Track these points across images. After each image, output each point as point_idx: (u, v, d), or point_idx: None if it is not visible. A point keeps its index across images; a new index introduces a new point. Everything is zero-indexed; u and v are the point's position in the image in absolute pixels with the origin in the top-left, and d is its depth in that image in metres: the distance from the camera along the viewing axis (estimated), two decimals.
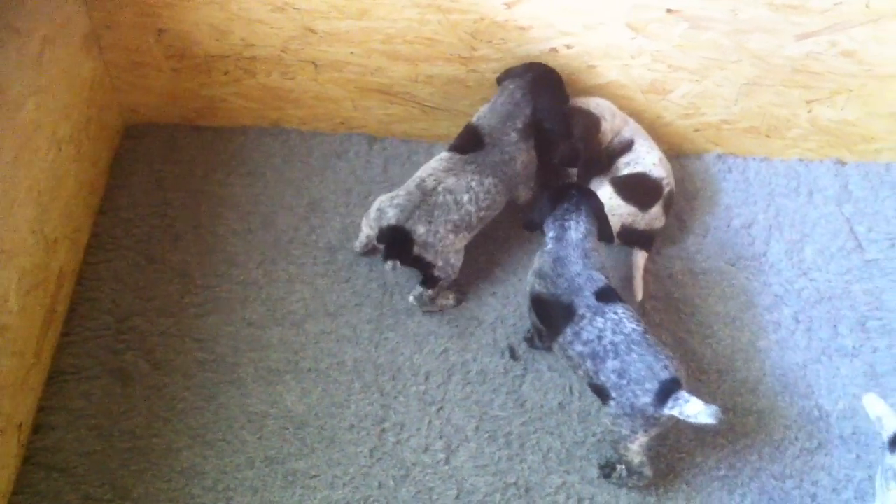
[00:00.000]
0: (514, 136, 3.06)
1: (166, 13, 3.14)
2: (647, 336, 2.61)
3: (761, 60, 3.16)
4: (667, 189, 3.20)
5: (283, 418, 2.88)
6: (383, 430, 2.87)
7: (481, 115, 3.12)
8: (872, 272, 3.25)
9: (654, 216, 3.17)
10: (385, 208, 2.93)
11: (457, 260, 3.01)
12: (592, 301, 2.67)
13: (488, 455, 2.83)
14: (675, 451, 2.85)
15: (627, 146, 3.25)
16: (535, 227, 2.89)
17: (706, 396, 2.71)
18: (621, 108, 3.30)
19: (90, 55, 3.21)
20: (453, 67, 3.27)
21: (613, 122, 3.25)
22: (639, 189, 3.15)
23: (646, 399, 2.52)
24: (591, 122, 3.19)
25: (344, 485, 2.76)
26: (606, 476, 2.78)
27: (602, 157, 3.24)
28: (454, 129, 3.38)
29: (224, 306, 3.09)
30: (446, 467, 2.81)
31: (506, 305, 3.13)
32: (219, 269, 3.17)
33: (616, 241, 3.13)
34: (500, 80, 3.18)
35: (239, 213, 3.31)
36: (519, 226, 3.26)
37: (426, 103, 3.41)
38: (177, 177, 3.38)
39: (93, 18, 3.16)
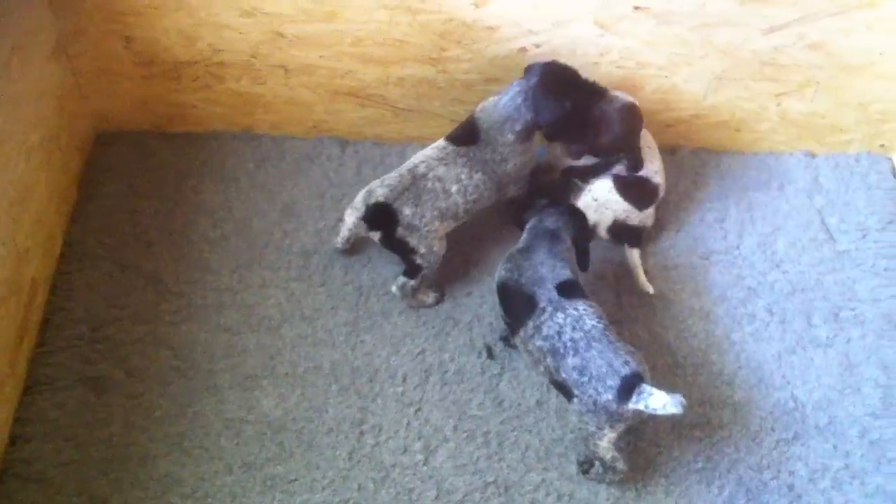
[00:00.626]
0: (510, 137, 3.01)
1: (134, 20, 3.12)
2: (608, 333, 2.63)
3: (729, 55, 3.18)
4: (661, 195, 3.27)
5: (260, 423, 2.87)
6: (362, 433, 2.87)
7: (485, 108, 3.06)
8: (844, 263, 3.28)
9: (646, 215, 3.23)
10: (374, 188, 2.95)
11: (440, 248, 3.01)
12: (554, 295, 2.69)
13: (467, 455, 2.84)
14: (652, 444, 2.86)
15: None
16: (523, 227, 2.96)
17: (682, 390, 2.72)
18: None
19: (59, 63, 3.18)
20: (424, 69, 3.26)
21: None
22: (637, 190, 3.20)
23: (608, 396, 2.54)
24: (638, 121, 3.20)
25: (323, 488, 2.76)
26: (585, 472, 2.79)
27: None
28: (426, 131, 3.38)
29: (199, 313, 3.07)
30: (425, 468, 2.81)
31: (481, 305, 3.14)
32: (193, 276, 3.15)
33: (606, 236, 3.22)
34: (526, 71, 3.05)
35: (212, 220, 3.29)
36: (494, 226, 3.27)
37: (398, 105, 3.40)
38: (149, 184, 3.36)
39: (61, 27, 3.13)
